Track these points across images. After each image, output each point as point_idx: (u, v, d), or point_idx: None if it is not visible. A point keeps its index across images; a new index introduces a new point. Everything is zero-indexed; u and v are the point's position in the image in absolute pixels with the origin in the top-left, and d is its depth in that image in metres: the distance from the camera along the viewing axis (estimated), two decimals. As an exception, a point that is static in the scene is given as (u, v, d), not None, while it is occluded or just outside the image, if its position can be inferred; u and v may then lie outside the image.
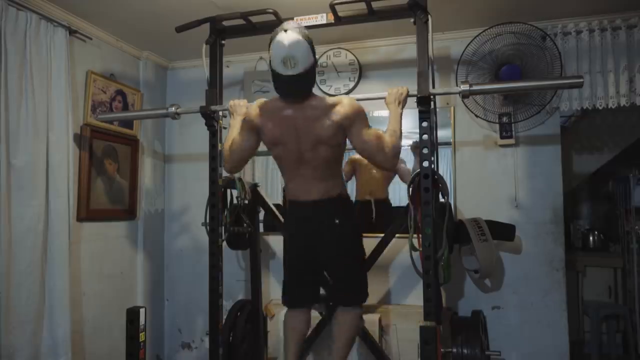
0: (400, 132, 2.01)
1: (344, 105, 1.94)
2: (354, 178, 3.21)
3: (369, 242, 2.68)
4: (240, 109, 2.24)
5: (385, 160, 1.96)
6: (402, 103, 2.07)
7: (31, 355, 2.38)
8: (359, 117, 1.95)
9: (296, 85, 1.92)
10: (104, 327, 2.99)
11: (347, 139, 2.01)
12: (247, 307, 2.93)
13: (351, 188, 3.19)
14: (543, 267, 2.84)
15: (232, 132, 2.16)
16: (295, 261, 2.17)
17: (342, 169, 2.29)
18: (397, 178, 3.15)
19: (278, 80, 1.93)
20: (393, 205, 3.18)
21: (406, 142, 3.02)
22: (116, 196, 3.11)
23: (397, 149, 1.97)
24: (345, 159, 2.98)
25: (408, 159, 3.06)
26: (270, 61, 1.92)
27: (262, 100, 2.09)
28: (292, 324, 2.20)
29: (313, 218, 2.06)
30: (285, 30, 1.85)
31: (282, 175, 2.16)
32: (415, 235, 2.18)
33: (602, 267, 4.25)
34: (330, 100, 1.98)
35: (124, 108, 3.16)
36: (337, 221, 2.03)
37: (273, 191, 3.32)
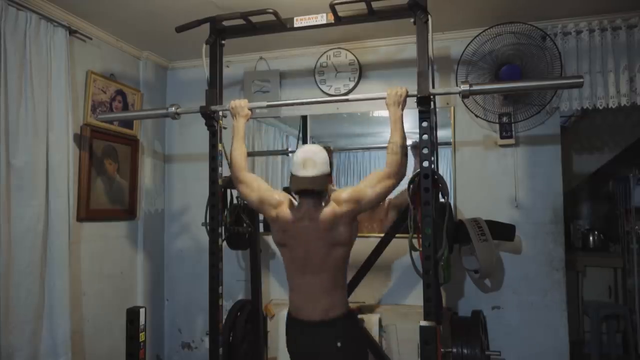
0: (404, 135, 1.99)
1: (339, 193, 1.95)
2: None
3: (369, 242, 2.69)
4: (242, 110, 2.24)
5: (398, 176, 1.96)
6: (402, 104, 2.07)
7: (31, 355, 2.38)
8: (355, 192, 1.94)
9: (311, 184, 1.92)
10: (104, 327, 2.99)
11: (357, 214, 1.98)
12: (247, 307, 2.93)
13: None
14: (543, 267, 2.84)
15: (235, 136, 2.18)
16: None
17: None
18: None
19: (295, 181, 1.95)
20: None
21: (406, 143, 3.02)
22: (116, 196, 3.11)
23: (402, 163, 1.96)
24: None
25: (408, 160, 3.04)
26: (291, 168, 1.99)
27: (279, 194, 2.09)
28: None
29: (315, 341, 1.98)
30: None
31: (287, 278, 2.08)
32: (415, 235, 2.17)
33: (602, 267, 4.25)
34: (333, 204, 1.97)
35: (124, 108, 3.16)
36: (339, 344, 1.95)
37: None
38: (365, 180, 1.97)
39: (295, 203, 2.02)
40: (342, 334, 1.97)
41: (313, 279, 1.97)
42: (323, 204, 1.97)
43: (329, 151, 3.05)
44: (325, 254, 1.95)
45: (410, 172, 2.87)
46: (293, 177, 1.97)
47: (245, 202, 2.68)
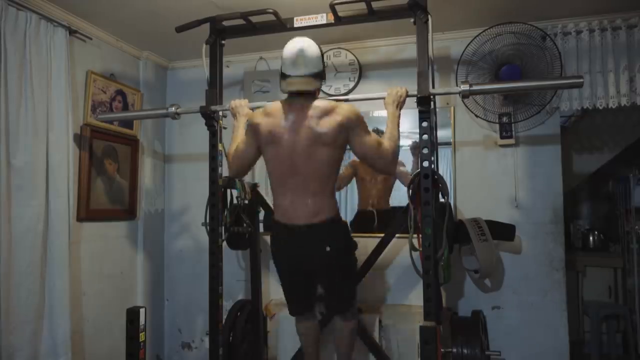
0: (399, 135, 2.01)
1: (346, 109, 1.94)
2: (353, 183, 3.19)
3: (369, 242, 2.68)
4: (242, 110, 2.24)
5: (385, 165, 1.99)
6: (401, 104, 2.08)
7: (31, 355, 2.38)
8: (361, 122, 1.95)
9: (303, 85, 1.93)
10: (104, 327, 2.99)
11: (346, 144, 1.99)
12: (247, 307, 2.93)
13: (351, 195, 3.19)
14: (543, 267, 2.84)
15: (236, 136, 2.18)
16: (286, 279, 2.19)
17: (339, 176, 2.23)
18: (397, 184, 3.12)
19: (285, 80, 1.95)
20: (392, 205, 3.17)
21: (405, 143, 3.03)
22: (116, 196, 3.11)
23: (396, 154, 1.99)
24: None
25: (407, 160, 3.05)
26: (281, 65, 1.96)
27: (268, 104, 2.09)
28: (300, 330, 2.30)
29: (302, 244, 2.00)
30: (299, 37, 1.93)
31: (272, 189, 2.09)
32: (415, 235, 2.18)
33: (602, 267, 4.24)
34: (332, 103, 1.98)
35: (124, 108, 3.16)
36: (327, 249, 1.98)
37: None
38: (371, 136, 1.98)
39: (279, 106, 2.00)
40: (330, 237, 1.99)
41: (298, 182, 1.96)
42: (316, 102, 1.96)
43: None
44: (311, 153, 1.93)
45: (409, 171, 2.87)
46: (282, 76, 1.96)
47: (245, 202, 2.69)
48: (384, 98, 2.12)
